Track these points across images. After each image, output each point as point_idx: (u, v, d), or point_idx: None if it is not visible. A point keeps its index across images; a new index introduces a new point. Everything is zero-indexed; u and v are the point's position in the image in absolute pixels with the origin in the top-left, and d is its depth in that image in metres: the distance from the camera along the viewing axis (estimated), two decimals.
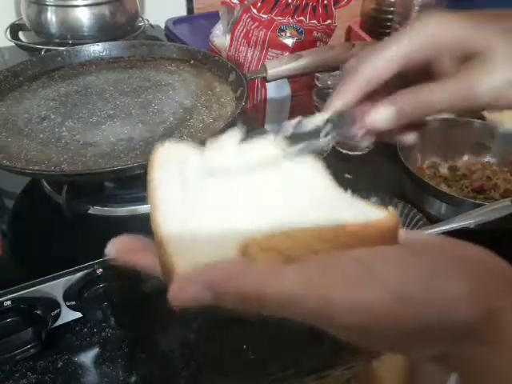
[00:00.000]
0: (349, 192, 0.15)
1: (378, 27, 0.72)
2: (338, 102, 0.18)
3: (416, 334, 0.12)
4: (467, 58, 0.17)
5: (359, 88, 0.18)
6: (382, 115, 0.18)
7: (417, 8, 0.64)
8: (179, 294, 0.11)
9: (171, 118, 0.33)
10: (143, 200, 0.32)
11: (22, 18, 0.59)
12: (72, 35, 0.55)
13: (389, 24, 0.69)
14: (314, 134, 0.18)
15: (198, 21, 0.68)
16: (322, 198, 0.15)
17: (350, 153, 0.49)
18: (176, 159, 0.15)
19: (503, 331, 0.12)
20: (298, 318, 0.12)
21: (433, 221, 0.35)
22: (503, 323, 0.12)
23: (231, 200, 0.14)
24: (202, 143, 0.16)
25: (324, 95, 0.55)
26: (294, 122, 0.17)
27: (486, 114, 0.54)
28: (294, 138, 0.17)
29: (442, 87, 0.17)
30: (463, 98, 0.17)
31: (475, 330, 0.12)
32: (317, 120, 0.18)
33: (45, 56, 0.42)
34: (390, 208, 0.14)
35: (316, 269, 0.12)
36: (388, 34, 0.69)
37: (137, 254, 0.14)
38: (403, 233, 0.14)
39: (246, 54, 0.49)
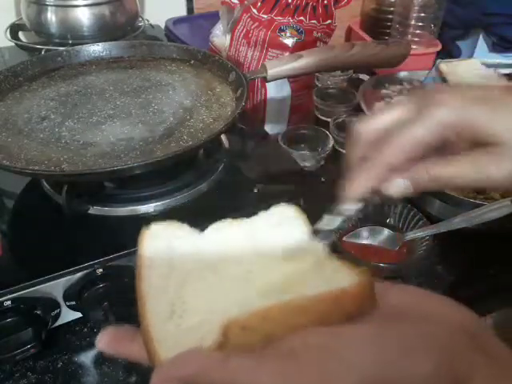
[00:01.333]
0: (323, 246, 0.16)
1: (378, 27, 0.72)
2: (356, 192, 0.19)
3: None
4: (479, 144, 0.18)
5: (378, 176, 0.18)
6: (397, 187, 0.18)
7: (416, 8, 0.64)
8: None
9: (171, 118, 0.33)
10: (143, 200, 0.32)
11: (21, 18, 0.59)
12: (72, 35, 0.55)
13: (389, 24, 0.69)
14: (341, 226, 0.19)
15: (197, 21, 0.68)
16: (296, 268, 0.15)
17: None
18: (163, 241, 0.16)
19: None
20: None
21: (433, 221, 0.35)
22: None
23: (214, 283, 0.15)
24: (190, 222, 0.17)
25: (324, 95, 0.55)
26: (321, 223, 0.18)
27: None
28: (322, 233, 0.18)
29: (451, 167, 0.17)
30: (472, 180, 0.17)
31: None
32: (341, 216, 0.19)
33: (45, 56, 0.42)
34: (362, 269, 0.14)
35: (289, 366, 0.12)
36: (388, 34, 0.69)
37: (124, 345, 0.15)
38: (378, 289, 0.14)
39: (245, 54, 0.49)
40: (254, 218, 0.17)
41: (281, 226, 0.17)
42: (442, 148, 0.18)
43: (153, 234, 0.16)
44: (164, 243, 0.16)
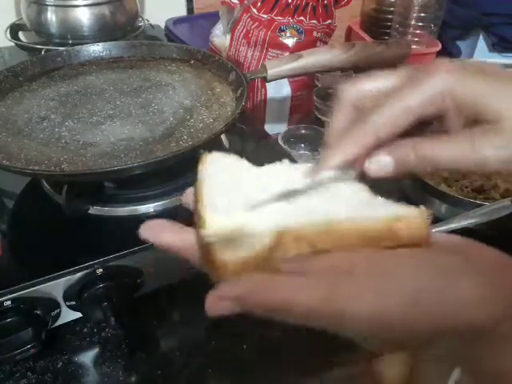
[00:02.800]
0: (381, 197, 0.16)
1: (378, 27, 0.72)
2: (337, 158, 0.16)
3: (427, 336, 0.12)
4: (476, 122, 0.15)
5: (364, 144, 0.16)
6: (379, 164, 0.16)
7: (416, 8, 0.64)
8: (213, 308, 0.13)
9: (171, 118, 0.33)
10: (143, 200, 0.32)
11: (21, 18, 0.59)
12: (72, 35, 0.55)
13: (389, 24, 0.69)
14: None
15: (197, 21, 0.68)
16: (357, 199, 0.16)
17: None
18: (223, 163, 0.17)
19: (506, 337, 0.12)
20: (317, 327, 0.13)
21: (433, 221, 0.35)
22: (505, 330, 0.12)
23: (271, 195, 0.15)
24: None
25: (324, 95, 0.55)
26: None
27: None
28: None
29: (446, 145, 0.15)
30: (469, 162, 0.15)
31: (487, 331, 0.12)
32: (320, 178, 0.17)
33: (45, 56, 0.42)
34: (422, 207, 0.14)
35: (334, 280, 0.13)
36: (388, 34, 0.69)
37: (169, 234, 0.15)
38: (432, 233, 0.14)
39: (245, 54, 0.49)
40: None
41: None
42: (432, 128, 0.16)
43: (213, 158, 0.17)
44: (224, 165, 0.17)
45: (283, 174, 0.17)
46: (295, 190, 0.16)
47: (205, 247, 0.14)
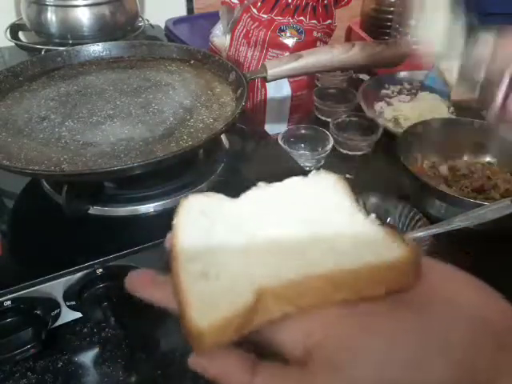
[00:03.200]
0: (371, 217, 0.14)
1: (378, 27, 0.72)
2: None
3: None
4: None
5: None
6: None
7: None
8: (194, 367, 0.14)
9: (171, 118, 0.33)
10: (143, 200, 0.32)
11: (21, 18, 0.59)
12: (72, 35, 0.55)
13: (389, 24, 0.69)
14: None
15: (197, 21, 0.68)
16: (341, 233, 0.14)
17: (350, 153, 0.49)
18: (199, 209, 0.16)
19: None
20: None
21: (433, 221, 0.35)
22: None
23: (250, 243, 0.15)
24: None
25: (324, 95, 0.55)
26: None
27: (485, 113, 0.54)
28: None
29: None
30: None
31: None
32: None
33: (45, 56, 0.42)
34: (412, 243, 0.13)
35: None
36: (388, 34, 0.69)
37: (150, 289, 0.15)
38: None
39: (246, 54, 0.49)
40: (291, 182, 0.17)
41: (320, 191, 0.16)
42: None
43: (188, 202, 0.16)
44: (198, 210, 0.16)
45: (260, 207, 0.16)
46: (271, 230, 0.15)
47: (181, 313, 0.13)
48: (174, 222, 0.16)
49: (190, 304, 0.13)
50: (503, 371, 0.12)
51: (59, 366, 0.28)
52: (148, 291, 0.15)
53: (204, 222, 0.16)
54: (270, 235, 0.15)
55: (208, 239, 0.15)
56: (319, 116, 0.55)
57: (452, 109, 0.56)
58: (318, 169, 0.43)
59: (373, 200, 0.37)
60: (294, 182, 0.17)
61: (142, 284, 0.16)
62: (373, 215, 0.15)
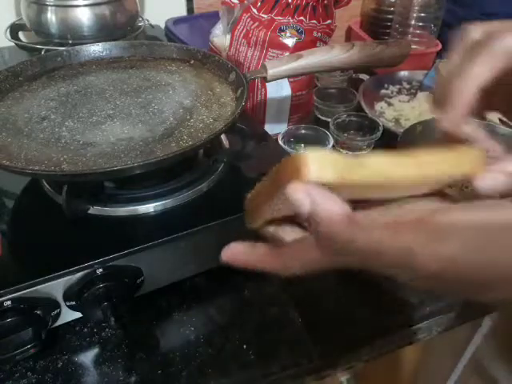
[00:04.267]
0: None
1: (378, 27, 0.72)
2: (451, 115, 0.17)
3: (491, 282, 0.13)
4: None
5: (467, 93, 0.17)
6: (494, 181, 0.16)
7: (416, 8, 0.64)
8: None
9: (171, 118, 0.33)
10: (143, 200, 0.32)
11: (21, 18, 0.59)
12: (72, 35, 0.55)
13: (389, 24, 0.69)
14: None
15: (197, 21, 0.68)
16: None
17: (350, 153, 0.49)
18: None
19: None
20: (383, 267, 0.14)
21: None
22: None
23: None
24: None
25: (324, 95, 0.55)
26: None
27: (486, 114, 0.54)
28: None
29: None
30: None
31: None
32: None
33: (45, 56, 0.42)
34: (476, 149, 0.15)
35: (404, 221, 0.13)
36: (388, 34, 0.69)
37: (244, 256, 0.17)
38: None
39: (246, 54, 0.49)
40: None
41: None
42: None
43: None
44: None
45: None
46: None
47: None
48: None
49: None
50: None
51: (59, 365, 0.28)
52: (242, 259, 0.17)
53: None
54: None
55: None
56: (319, 116, 0.55)
57: None
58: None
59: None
60: None
61: (235, 254, 0.17)
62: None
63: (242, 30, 0.48)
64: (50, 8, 0.54)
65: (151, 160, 0.27)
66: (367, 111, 0.52)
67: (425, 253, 0.13)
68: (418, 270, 0.13)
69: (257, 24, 0.47)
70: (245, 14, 0.48)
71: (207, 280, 0.34)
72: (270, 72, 0.37)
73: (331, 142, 0.46)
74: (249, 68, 0.49)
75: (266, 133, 0.44)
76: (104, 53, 0.42)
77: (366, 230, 0.13)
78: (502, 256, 0.13)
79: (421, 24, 0.65)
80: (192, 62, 0.41)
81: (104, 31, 0.56)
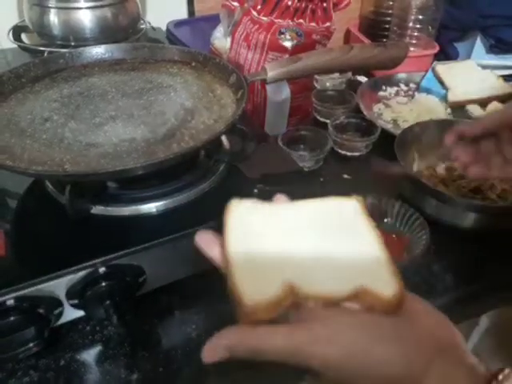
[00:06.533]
0: (379, 245, 0.18)
1: (377, 30, 0.73)
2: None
3: (359, 379, 0.17)
4: None
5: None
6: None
7: (414, 10, 0.65)
8: (209, 357, 0.18)
9: (173, 120, 0.34)
10: (145, 200, 0.32)
11: (24, 20, 0.59)
12: (74, 37, 0.56)
13: (387, 27, 0.70)
14: None
15: (198, 23, 0.69)
16: (348, 255, 0.18)
17: (349, 154, 0.50)
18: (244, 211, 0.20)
19: None
20: (289, 363, 0.17)
21: (430, 220, 0.36)
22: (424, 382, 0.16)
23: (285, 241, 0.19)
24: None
25: (323, 97, 0.56)
26: None
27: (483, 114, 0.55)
28: None
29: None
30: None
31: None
32: None
33: (47, 58, 0.42)
34: (400, 287, 0.17)
35: (299, 331, 0.17)
36: (386, 37, 0.70)
37: (213, 246, 0.19)
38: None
39: (246, 57, 0.49)
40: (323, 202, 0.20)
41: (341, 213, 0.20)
42: None
43: (237, 207, 0.20)
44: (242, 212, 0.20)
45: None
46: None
47: (230, 284, 0.17)
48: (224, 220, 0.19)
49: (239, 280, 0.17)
50: (432, 371, 0.17)
51: (62, 363, 0.29)
52: (210, 248, 0.19)
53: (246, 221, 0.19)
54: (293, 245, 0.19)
55: (250, 236, 0.19)
56: (318, 117, 0.56)
57: (449, 110, 0.57)
58: (317, 169, 0.44)
59: (371, 200, 0.37)
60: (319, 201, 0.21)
61: (207, 241, 0.19)
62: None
63: (243, 32, 0.49)
64: (52, 10, 0.54)
65: (153, 161, 0.28)
66: (365, 113, 0.53)
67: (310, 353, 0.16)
68: (312, 367, 0.17)
69: (257, 27, 0.48)
70: (245, 17, 0.49)
71: (208, 278, 0.34)
72: (270, 74, 0.37)
73: (330, 143, 0.46)
74: (249, 70, 0.49)
75: (266, 134, 0.44)
76: (106, 55, 0.43)
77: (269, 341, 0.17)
78: (366, 366, 0.16)
79: (419, 26, 0.65)
80: (193, 64, 0.42)
81: (106, 33, 0.56)
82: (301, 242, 0.19)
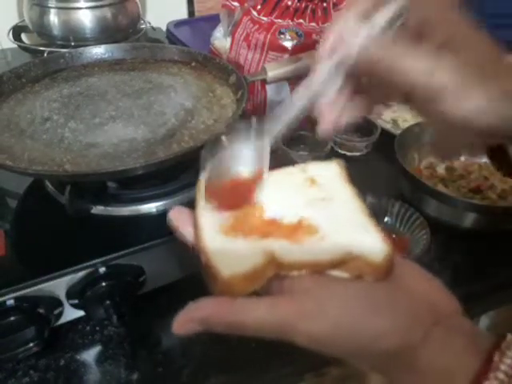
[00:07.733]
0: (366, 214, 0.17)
1: None
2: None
3: (351, 354, 0.16)
4: None
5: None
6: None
7: None
8: (180, 329, 0.16)
9: (173, 120, 0.34)
10: (145, 200, 0.32)
11: (24, 20, 0.59)
12: (74, 37, 0.56)
13: None
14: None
15: (198, 23, 0.69)
16: (337, 220, 0.17)
17: (348, 153, 0.50)
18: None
19: (416, 360, 0.15)
20: (271, 338, 0.16)
21: (430, 220, 0.36)
22: (416, 354, 0.15)
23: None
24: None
25: None
26: None
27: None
28: None
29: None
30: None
31: (394, 357, 0.15)
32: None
33: (47, 58, 0.42)
34: (389, 250, 0.16)
35: (283, 303, 0.15)
36: None
37: (187, 225, 0.18)
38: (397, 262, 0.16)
39: (246, 57, 0.49)
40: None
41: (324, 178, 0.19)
42: None
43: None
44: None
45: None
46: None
47: (205, 259, 0.15)
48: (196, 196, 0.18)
49: (210, 253, 0.15)
50: (429, 340, 0.15)
51: (61, 363, 0.29)
52: (185, 227, 0.18)
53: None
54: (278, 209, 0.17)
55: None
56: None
57: None
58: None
59: (371, 200, 0.37)
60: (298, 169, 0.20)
61: (183, 219, 0.18)
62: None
63: (243, 32, 0.49)
64: (52, 10, 0.54)
65: (153, 161, 0.28)
66: None
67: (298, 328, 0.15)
68: (297, 342, 0.15)
69: (257, 27, 0.48)
70: (245, 17, 0.49)
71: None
72: (270, 74, 0.37)
73: (329, 143, 0.46)
74: (249, 70, 0.49)
75: None
76: (106, 55, 0.43)
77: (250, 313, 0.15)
78: (356, 339, 0.15)
79: None
80: (193, 64, 0.42)
81: (106, 33, 0.56)
82: (281, 211, 0.17)
